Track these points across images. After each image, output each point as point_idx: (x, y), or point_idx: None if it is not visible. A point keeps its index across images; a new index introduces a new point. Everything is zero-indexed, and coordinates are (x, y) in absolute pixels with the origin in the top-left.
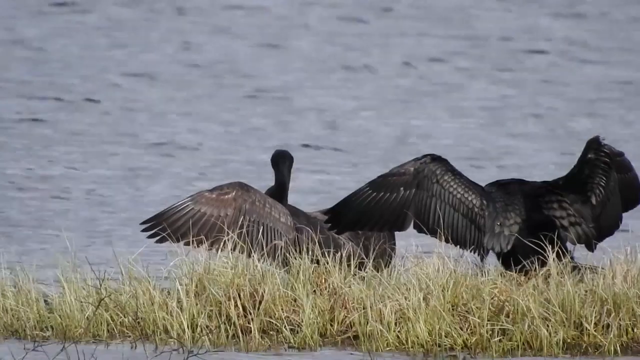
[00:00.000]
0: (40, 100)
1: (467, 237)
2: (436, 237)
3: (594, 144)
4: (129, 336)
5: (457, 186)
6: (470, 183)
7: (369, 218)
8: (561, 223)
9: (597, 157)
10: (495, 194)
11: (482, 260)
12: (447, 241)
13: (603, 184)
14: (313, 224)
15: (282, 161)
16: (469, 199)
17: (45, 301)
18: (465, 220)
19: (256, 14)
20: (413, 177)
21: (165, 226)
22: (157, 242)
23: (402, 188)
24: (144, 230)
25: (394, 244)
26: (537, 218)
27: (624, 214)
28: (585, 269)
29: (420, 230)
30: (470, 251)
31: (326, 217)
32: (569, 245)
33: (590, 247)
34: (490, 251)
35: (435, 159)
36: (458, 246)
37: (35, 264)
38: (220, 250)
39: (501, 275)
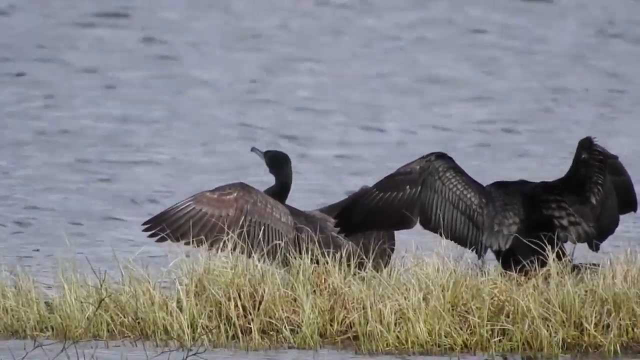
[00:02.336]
0: None
1: (466, 234)
2: (438, 234)
3: (587, 144)
4: (129, 336)
5: (457, 183)
6: (471, 181)
7: (376, 218)
8: (560, 223)
9: (591, 157)
10: (495, 194)
11: (480, 258)
12: (447, 238)
13: (600, 183)
14: (313, 223)
15: (285, 162)
16: (468, 196)
17: (45, 301)
18: (463, 217)
19: None
20: (419, 175)
21: (165, 226)
22: (157, 241)
23: (408, 186)
24: (145, 230)
25: (394, 244)
26: (536, 218)
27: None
28: (585, 268)
29: (425, 228)
30: (470, 249)
31: (324, 215)
32: (568, 244)
33: (592, 247)
34: (489, 249)
35: (440, 156)
36: (457, 243)
37: (35, 264)
38: (220, 250)
39: (501, 275)
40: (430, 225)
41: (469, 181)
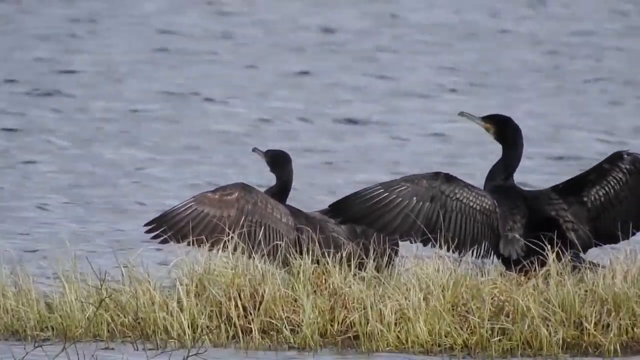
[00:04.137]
0: None
1: (486, 247)
2: (441, 249)
3: (615, 157)
4: (130, 336)
5: (475, 200)
6: (483, 192)
7: (377, 218)
8: (563, 227)
9: (611, 168)
10: (498, 199)
11: (505, 266)
12: (460, 254)
13: (604, 192)
14: (313, 224)
15: (286, 162)
16: (487, 207)
17: (45, 301)
18: (485, 228)
19: None
20: (426, 190)
21: (167, 227)
22: (159, 242)
23: (414, 198)
24: (147, 232)
25: (397, 244)
26: (538, 219)
27: None
28: (592, 266)
29: (425, 243)
30: (490, 259)
31: (324, 215)
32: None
33: (585, 251)
34: (509, 256)
35: (449, 178)
36: (478, 257)
37: (36, 264)
38: (221, 250)
39: (501, 275)
40: (438, 240)
41: (482, 193)
